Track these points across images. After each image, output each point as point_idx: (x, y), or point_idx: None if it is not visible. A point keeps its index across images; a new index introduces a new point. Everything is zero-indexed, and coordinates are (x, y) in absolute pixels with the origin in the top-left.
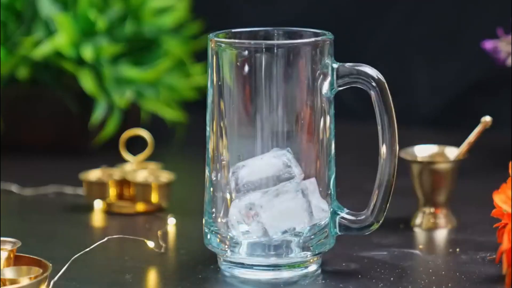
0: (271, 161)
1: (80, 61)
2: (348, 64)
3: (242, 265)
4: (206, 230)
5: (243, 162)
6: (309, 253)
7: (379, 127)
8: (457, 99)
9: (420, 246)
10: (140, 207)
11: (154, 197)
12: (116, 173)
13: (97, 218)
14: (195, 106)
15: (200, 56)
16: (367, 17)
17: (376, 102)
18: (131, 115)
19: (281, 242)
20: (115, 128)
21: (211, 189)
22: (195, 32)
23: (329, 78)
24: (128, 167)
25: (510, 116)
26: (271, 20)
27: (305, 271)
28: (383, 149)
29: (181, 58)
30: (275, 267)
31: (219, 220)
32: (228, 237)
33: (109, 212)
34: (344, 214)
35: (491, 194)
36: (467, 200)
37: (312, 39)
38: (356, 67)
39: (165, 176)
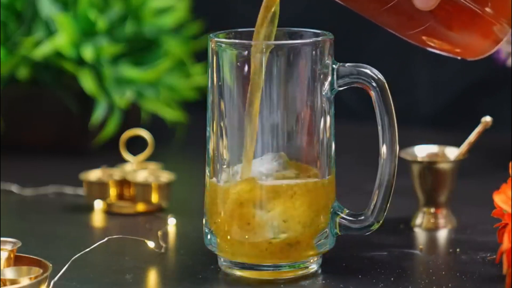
0: (270, 162)
1: (80, 61)
2: (348, 64)
3: (242, 265)
4: (206, 230)
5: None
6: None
7: (380, 127)
8: (457, 99)
9: (420, 246)
10: (140, 207)
11: (154, 197)
12: (116, 173)
13: (97, 218)
14: (195, 106)
15: (200, 56)
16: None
17: (376, 102)
18: (131, 115)
19: None
20: (115, 128)
21: None
22: (195, 32)
23: (329, 78)
24: (128, 167)
25: (510, 116)
26: None
27: (305, 271)
28: (384, 149)
29: (181, 58)
30: (275, 267)
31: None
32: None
33: (109, 212)
34: (344, 214)
35: (491, 194)
36: (467, 200)
37: (312, 39)
38: (357, 68)
39: (165, 176)
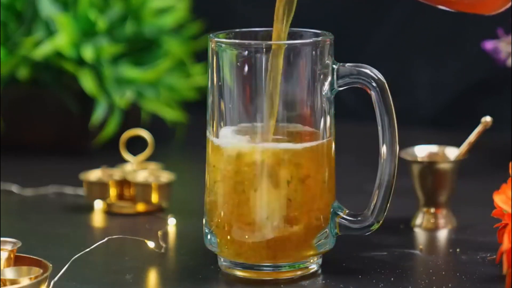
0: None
1: (80, 61)
2: (348, 65)
3: (242, 265)
4: (206, 230)
5: None
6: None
7: (380, 127)
8: (457, 99)
9: (420, 246)
10: (141, 207)
11: (154, 197)
12: (117, 173)
13: (97, 218)
14: (195, 106)
15: (200, 56)
16: (367, 17)
17: (376, 102)
18: (132, 115)
19: None
20: (115, 128)
21: None
22: (195, 32)
23: (329, 79)
24: (128, 167)
25: (510, 116)
26: (271, 20)
27: (305, 271)
28: (384, 149)
29: (181, 58)
30: (275, 267)
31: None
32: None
33: (109, 212)
34: (344, 214)
35: (491, 194)
36: (467, 200)
37: (312, 39)
38: (357, 68)
39: (165, 176)
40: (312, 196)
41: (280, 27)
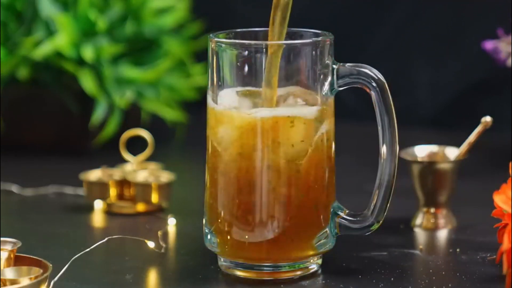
0: None
1: (80, 61)
2: (348, 65)
3: (242, 265)
4: (206, 230)
5: None
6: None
7: (380, 127)
8: (457, 99)
9: (420, 246)
10: (141, 207)
11: (155, 197)
12: (117, 173)
13: (98, 218)
14: (195, 106)
15: (200, 56)
16: (367, 17)
17: (376, 102)
18: (132, 115)
19: None
20: (115, 128)
21: None
22: (195, 32)
23: (329, 79)
24: (128, 167)
25: (510, 116)
26: None
27: (305, 271)
28: (384, 149)
29: (181, 58)
30: (275, 267)
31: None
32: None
33: (109, 212)
34: (344, 214)
35: (491, 194)
36: (467, 200)
37: (312, 39)
38: (357, 68)
39: (165, 176)
40: (312, 190)
41: (276, 31)
